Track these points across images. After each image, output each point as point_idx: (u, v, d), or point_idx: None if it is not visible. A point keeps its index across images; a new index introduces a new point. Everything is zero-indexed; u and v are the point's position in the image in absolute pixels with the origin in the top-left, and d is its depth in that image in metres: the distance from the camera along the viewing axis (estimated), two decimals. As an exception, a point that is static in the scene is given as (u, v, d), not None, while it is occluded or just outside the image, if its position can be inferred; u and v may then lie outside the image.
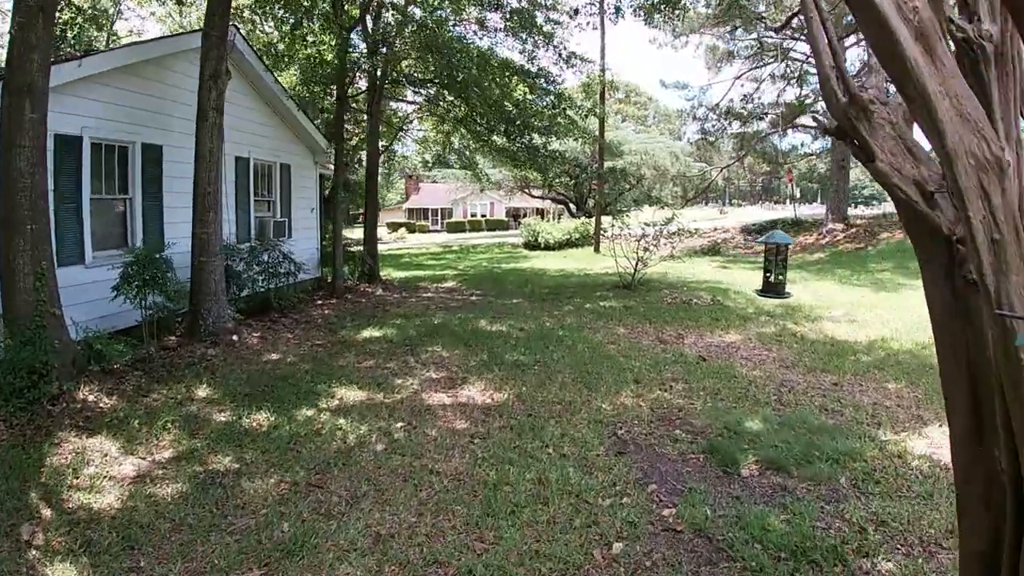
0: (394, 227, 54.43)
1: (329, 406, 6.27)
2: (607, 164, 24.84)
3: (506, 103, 13.10)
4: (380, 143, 19.22)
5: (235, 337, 9.17)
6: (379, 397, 6.49)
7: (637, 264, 13.54)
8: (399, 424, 5.67)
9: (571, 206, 51.96)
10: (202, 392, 6.78)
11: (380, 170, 29.26)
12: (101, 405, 6.33)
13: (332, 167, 17.90)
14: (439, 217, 62.85)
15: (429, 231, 59.01)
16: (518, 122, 12.82)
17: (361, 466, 4.81)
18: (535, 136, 13.53)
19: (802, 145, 29.22)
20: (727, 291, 13.34)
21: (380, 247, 36.70)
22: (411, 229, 56.72)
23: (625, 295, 12.80)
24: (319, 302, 12.70)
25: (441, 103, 15.39)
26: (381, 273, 18.64)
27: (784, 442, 5.16)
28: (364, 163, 17.63)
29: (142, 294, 7.72)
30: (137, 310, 8.04)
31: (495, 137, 14.48)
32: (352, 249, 18.00)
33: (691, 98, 30.71)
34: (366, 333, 9.56)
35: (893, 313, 10.74)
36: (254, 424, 5.83)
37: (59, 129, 7.85)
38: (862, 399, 6.38)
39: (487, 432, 5.45)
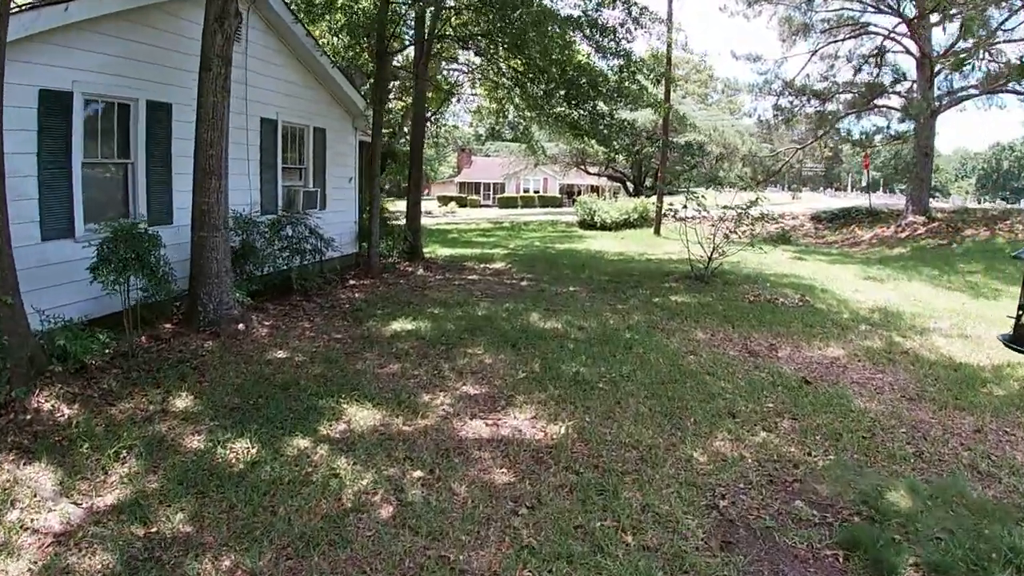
0: (445, 200, 53.21)
1: (331, 434, 4.83)
2: (675, 139, 22.82)
3: (567, 66, 11.36)
4: (428, 110, 17.72)
5: (241, 326, 7.85)
6: (397, 422, 5.02)
7: (713, 253, 11.75)
8: (417, 473, 4.17)
9: (628, 184, 49.87)
10: (181, 402, 5.45)
11: (428, 140, 27.91)
12: (57, 417, 5.06)
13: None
14: (491, 192, 61.40)
15: (480, 206, 57.62)
16: (582, 82, 11.06)
17: (354, 550, 3.34)
18: (599, 103, 11.78)
19: (884, 128, 26.48)
20: (813, 288, 11.48)
21: (428, 221, 35.51)
22: (462, 203, 55.40)
23: (698, 288, 11.06)
24: (351, 282, 11.34)
25: (496, 63, 13.70)
26: (425, 250, 17.25)
27: (945, 531, 3.64)
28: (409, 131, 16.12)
29: (123, 278, 6.39)
30: (123, 294, 6.74)
31: (554, 103, 12.76)
32: (395, 223, 16.61)
33: (764, 71, 28.26)
34: (396, 325, 8.11)
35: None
36: (231, 456, 4.45)
37: (45, 83, 6.70)
38: (1015, 455, 4.78)
39: (537, 494, 3.91)
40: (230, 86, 7.81)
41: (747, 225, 11.82)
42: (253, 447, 4.57)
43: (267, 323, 8.23)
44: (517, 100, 16.60)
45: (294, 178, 11.97)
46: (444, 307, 9.26)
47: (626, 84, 11.63)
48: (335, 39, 12.71)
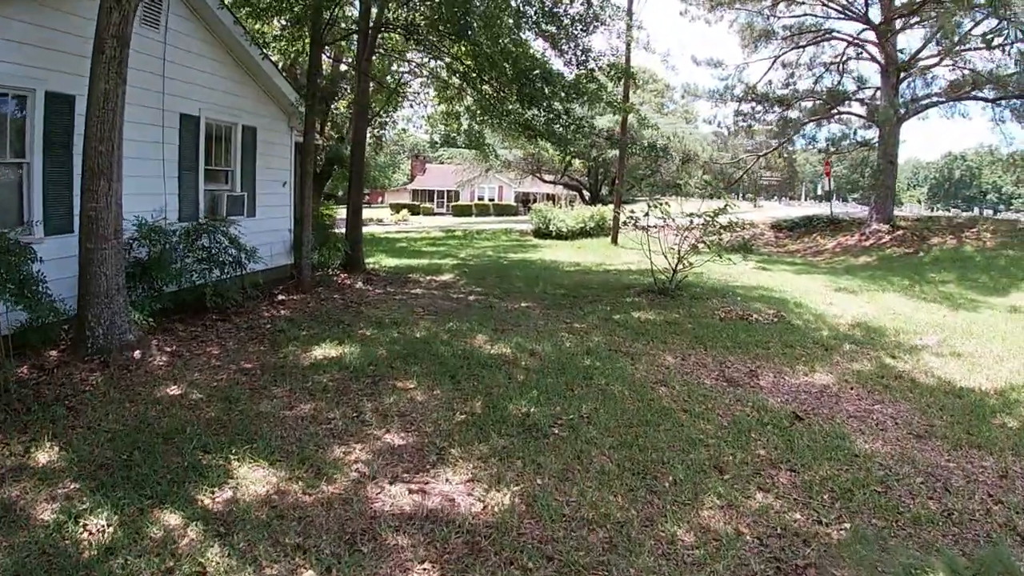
0: (397, 208, 51.82)
1: (211, 505, 3.71)
2: (635, 143, 22.04)
3: (520, 58, 10.37)
4: (373, 110, 16.57)
5: (137, 354, 6.63)
6: (296, 490, 3.91)
7: (678, 264, 10.88)
8: (308, 575, 3.09)
9: (584, 192, 49.27)
10: (44, 456, 4.32)
11: (375, 144, 26.67)
12: None
13: (317, 139, 15.31)
14: (445, 200, 60.26)
15: (434, 214, 56.45)
16: (535, 75, 10.06)
17: None
18: (555, 103, 10.82)
19: (851, 134, 26.30)
20: (786, 302, 10.72)
21: (378, 229, 34.20)
22: (415, 211, 54.13)
23: (663, 303, 10.17)
24: (280, 298, 10.13)
25: (443, 58, 12.62)
26: (369, 260, 16.08)
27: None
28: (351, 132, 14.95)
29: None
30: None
31: (506, 101, 11.77)
32: (337, 232, 15.40)
33: (725, 77, 27.84)
34: (318, 351, 6.97)
35: (996, 344, 8.26)
36: (83, 536, 3.34)
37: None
38: (1051, 506, 3.92)
39: (470, 609, 2.87)
40: (126, 72, 6.60)
41: (714, 234, 11.02)
42: (111, 525, 3.45)
43: (169, 349, 7.01)
44: (468, 100, 15.60)
45: (220, 181, 10.74)
46: (378, 327, 8.15)
47: (584, 82, 10.71)
48: (265, 25, 11.45)
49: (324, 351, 6.97)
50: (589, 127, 11.28)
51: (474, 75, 11.35)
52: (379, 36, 12.60)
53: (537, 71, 10.14)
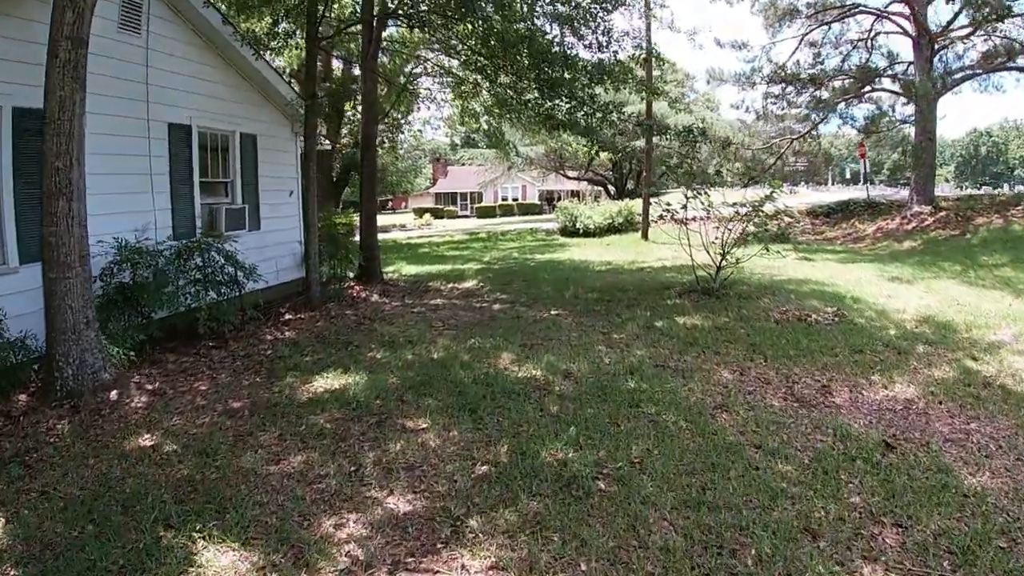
0: (420, 212, 51.13)
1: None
2: (663, 128, 20.82)
3: (536, 37, 9.36)
4: (384, 111, 15.71)
5: (113, 395, 5.81)
6: (267, 590, 3.01)
7: (722, 260, 9.80)
8: None
9: (609, 188, 48.10)
10: None
11: (392, 148, 25.90)
12: None
13: (327, 142, 14.52)
14: (468, 202, 59.44)
15: (458, 216, 55.66)
16: (554, 57, 9.02)
17: None
18: (577, 88, 9.77)
19: (890, 111, 24.84)
20: (842, 298, 9.58)
21: (400, 235, 33.37)
22: (438, 215, 53.38)
23: (709, 305, 9.10)
24: (286, 317, 9.28)
25: (456, 50, 11.66)
26: (388, 269, 15.23)
27: None
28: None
29: None
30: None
31: (524, 92, 10.78)
32: (354, 241, 14.57)
33: (751, 59, 26.51)
34: (320, 382, 6.06)
35: None
36: None
37: None
38: None
39: None
40: (85, 76, 5.77)
41: (760, 225, 9.91)
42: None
43: (151, 386, 6.17)
44: (485, 96, 14.68)
45: (219, 194, 9.96)
46: (390, 348, 7.23)
47: (608, 63, 9.65)
48: (256, 23, 10.62)
49: (326, 381, 6.07)
50: (617, 112, 10.20)
51: (488, 66, 10.37)
52: (385, 29, 11.70)
53: (556, 52, 9.14)
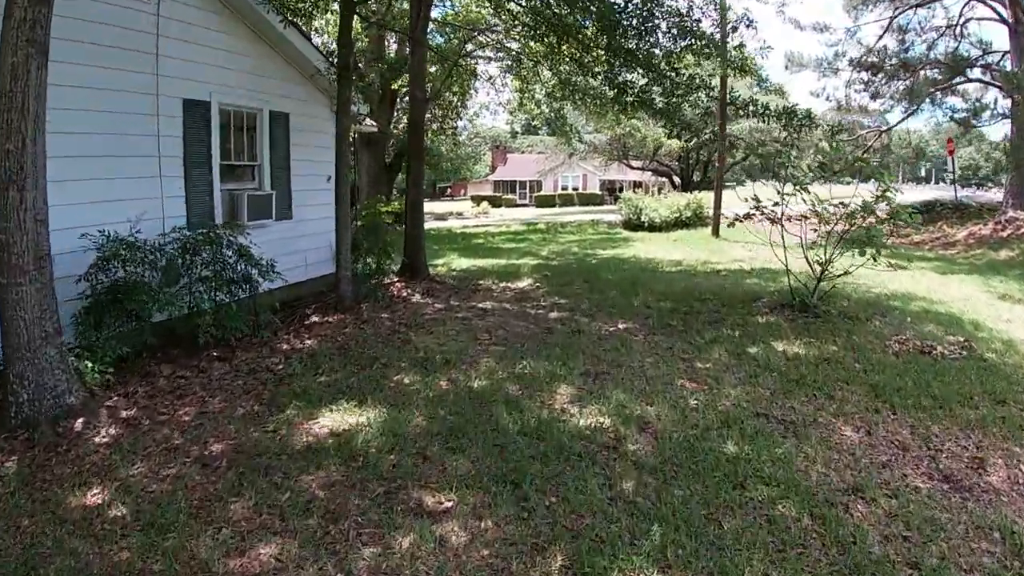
0: (478, 200, 49.96)
1: None
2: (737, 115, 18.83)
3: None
4: (437, 88, 14.42)
5: (79, 424, 4.71)
6: None
7: (824, 271, 8.15)
8: None
9: (675, 178, 45.92)
10: None
11: (447, 132, 24.66)
12: None
13: (371, 124, 13.35)
14: (527, 190, 58.03)
15: (516, 205, 54.33)
16: (629, 14, 7.45)
17: None
18: (654, 59, 8.18)
19: (990, 106, 22.39)
20: (960, 322, 7.86)
21: (456, 224, 32.12)
22: (496, 203, 52.18)
23: (808, 325, 7.51)
24: (314, 319, 8.11)
25: (514, 15, 10.16)
26: (438, 261, 14.04)
27: None
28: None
29: None
30: None
31: (592, 69, 9.23)
32: (400, 230, 13.38)
33: (835, 43, 24.27)
34: (326, 419, 4.80)
35: None
36: None
37: None
38: None
39: None
40: (46, 41, 4.61)
41: (870, 226, 8.20)
42: None
43: (128, 413, 5.04)
44: (546, 74, 13.25)
45: (244, 179, 8.89)
46: (422, 370, 5.93)
47: (691, 26, 7.96)
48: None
49: (334, 418, 4.80)
50: (706, 90, 8.48)
51: (549, 33, 8.89)
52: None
53: (630, 10, 7.59)
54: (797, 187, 7.97)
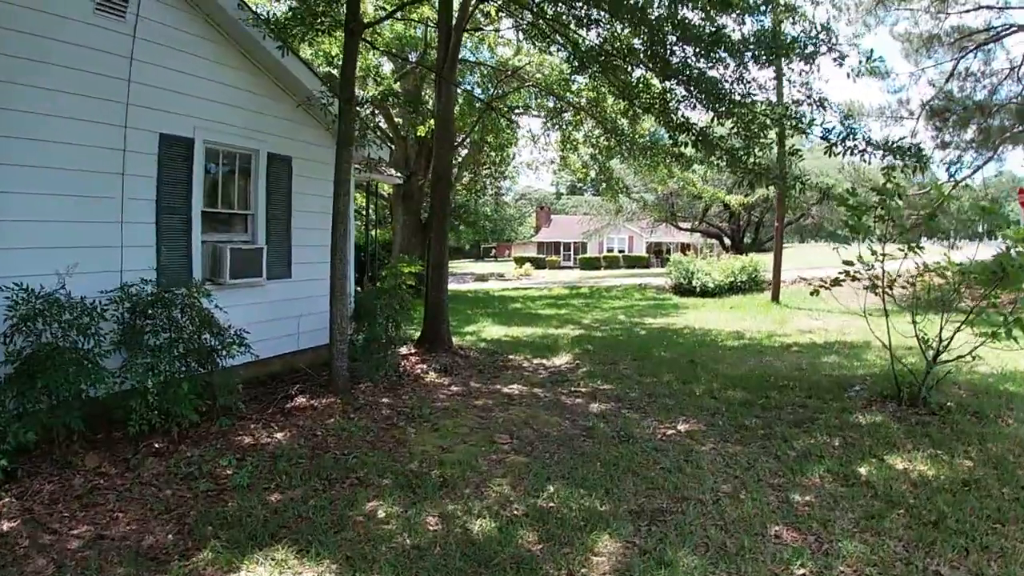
0: (520, 261, 48.76)
1: None
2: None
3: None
4: (467, 135, 13.15)
5: None
6: None
7: (938, 353, 6.30)
8: None
9: (724, 239, 43.99)
10: None
11: (483, 188, 23.48)
12: None
13: (395, 174, 12.07)
14: (572, 252, 56.68)
15: (560, 267, 52.95)
16: (694, 36, 5.86)
17: None
18: (724, 82, 6.56)
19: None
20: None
21: (495, 286, 30.69)
22: (540, 264, 50.93)
23: (924, 427, 5.68)
24: (298, 400, 6.55)
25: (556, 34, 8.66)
26: (468, 329, 12.52)
27: None
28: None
29: None
30: None
31: (643, 96, 7.66)
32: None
33: (897, 90, 22.70)
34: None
35: None
36: None
37: None
38: None
39: None
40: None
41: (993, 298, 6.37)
42: None
43: (11, 524, 3.57)
44: (589, 125, 11.87)
45: (235, 230, 7.57)
46: (411, 493, 4.29)
47: (780, 37, 6.31)
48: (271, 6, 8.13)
49: (255, 581, 3.19)
50: (793, 121, 6.71)
51: (594, 65, 7.42)
52: (467, 20, 9.08)
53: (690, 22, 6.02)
54: (912, 246, 6.23)
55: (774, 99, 7.48)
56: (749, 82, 6.40)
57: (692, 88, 6.30)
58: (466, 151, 20.48)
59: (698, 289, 21.49)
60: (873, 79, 22.44)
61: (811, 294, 7.29)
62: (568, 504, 4.06)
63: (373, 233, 16.61)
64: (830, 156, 6.67)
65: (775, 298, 18.58)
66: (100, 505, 4.11)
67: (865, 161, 6.71)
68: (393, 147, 17.45)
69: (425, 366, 8.61)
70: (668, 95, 7.00)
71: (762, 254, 28.15)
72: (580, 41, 7.58)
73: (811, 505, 4.15)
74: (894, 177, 6.75)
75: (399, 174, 11.86)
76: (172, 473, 4.62)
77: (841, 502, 4.21)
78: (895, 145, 6.44)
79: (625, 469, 4.68)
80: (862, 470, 4.73)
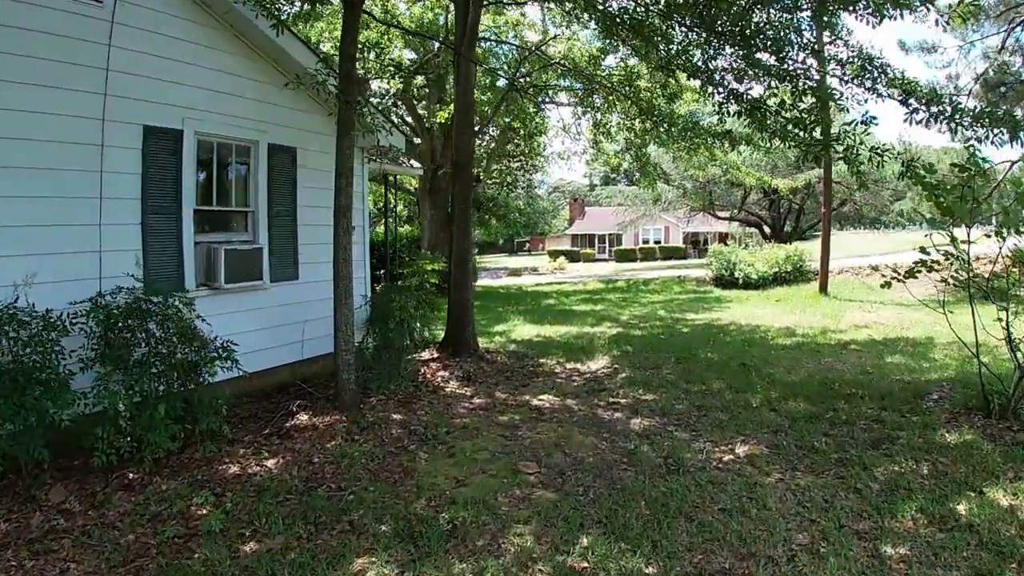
0: (554, 255, 47.79)
1: None
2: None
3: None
4: (489, 119, 12.32)
5: None
6: None
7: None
8: None
9: (764, 228, 42.36)
10: None
11: (514, 181, 22.63)
12: None
13: (416, 165, 11.32)
14: (606, 244, 55.47)
15: (595, 260, 51.79)
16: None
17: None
18: (786, 45, 5.60)
19: None
20: None
21: (528, 281, 29.77)
22: (574, 258, 49.90)
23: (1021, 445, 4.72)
24: (300, 418, 5.84)
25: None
26: (497, 328, 11.75)
27: None
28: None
29: None
30: None
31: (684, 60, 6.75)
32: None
33: (946, 64, 21.24)
34: None
35: None
36: None
37: None
38: None
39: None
40: None
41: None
42: None
43: None
44: (622, 109, 10.96)
45: (235, 229, 6.90)
46: (411, 546, 3.51)
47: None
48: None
49: None
50: (877, 73, 5.75)
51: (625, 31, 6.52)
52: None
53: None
54: (1011, 228, 5.24)
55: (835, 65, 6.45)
56: (809, 44, 5.45)
57: (752, 44, 5.33)
58: (494, 143, 19.71)
59: (740, 281, 20.35)
60: (922, 53, 21.02)
61: (881, 287, 6.31)
62: (606, 565, 3.23)
63: (394, 228, 15.88)
64: (910, 124, 5.66)
65: (823, 289, 17.47)
66: (52, 552, 3.46)
67: (951, 131, 5.68)
68: (418, 140, 16.75)
69: (446, 373, 7.85)
70: (711, 63, 6.05)
71: (804, 243, 26.77)
72: (608, 6, 6.68)
73: (907, 561, 3.27)
74: (978, 151, 5.76)
75: (420, 165, 11.09)
76: (139, 513, 3.94)
77: (942, 554, 3.32)
78: (986, 112, 5.41)
79: (676, 511, 3.83)
80: (960, 508, 3.82)
